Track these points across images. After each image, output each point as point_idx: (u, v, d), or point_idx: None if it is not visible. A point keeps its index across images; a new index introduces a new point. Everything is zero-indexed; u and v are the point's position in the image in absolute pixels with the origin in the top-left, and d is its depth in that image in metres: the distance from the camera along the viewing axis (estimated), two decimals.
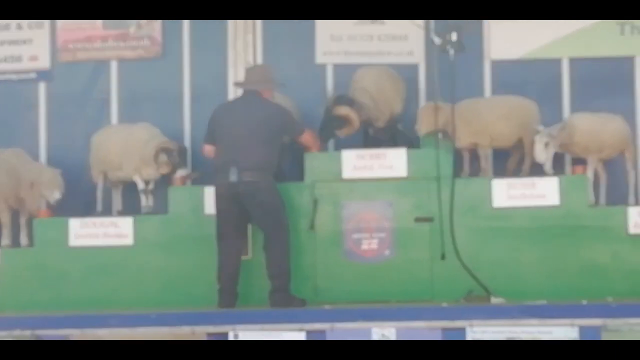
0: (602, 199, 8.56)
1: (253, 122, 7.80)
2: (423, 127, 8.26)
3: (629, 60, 9.10)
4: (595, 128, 8.39)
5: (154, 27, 9.30)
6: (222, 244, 7.83)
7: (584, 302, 7.55)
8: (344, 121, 8.33)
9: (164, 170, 8.42)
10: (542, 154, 8.17)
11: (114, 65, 9.35)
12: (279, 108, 8.02)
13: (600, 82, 9.08)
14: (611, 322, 6.88)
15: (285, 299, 7.63)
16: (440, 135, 8.27)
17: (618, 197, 8.61)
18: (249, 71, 8.22)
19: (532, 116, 8.54)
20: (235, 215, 7.81)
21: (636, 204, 8.59)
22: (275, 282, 7.68)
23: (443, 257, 7.98)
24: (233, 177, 7.69)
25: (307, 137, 8.11)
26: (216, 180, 7.86)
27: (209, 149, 8.07)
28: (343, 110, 8.33)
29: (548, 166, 8.28)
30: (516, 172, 8.50)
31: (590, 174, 8.35)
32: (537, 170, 8.34)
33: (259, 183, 7.71)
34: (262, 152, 7.75)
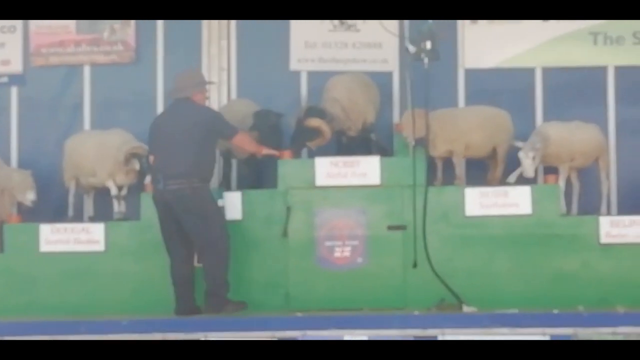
0: (575, 208, 8.60)
1: (180, 128, 7.75)
2: (409, 133, 8.23)
3: (601, 70, 9.15)
4: (567, 136, 8.42)
5: (128, 32, 9.26)
6: (169, 253, 7.84)
7: (555, 311, 7.56)
8: (315, 132, 8.32)
9: (132, 176, 8.36)
10: (532, 169, 8.19)
11: (86, 70, 9.31)
12: (207, 111, 7.99)
13: (574, 91, 9.14)
14: (582, 331, 6.91)
15: (218, 304, 7.60)
16: (413, 143, 8.27)
17: (591, 206, 8.66)
18: (178, 77, 8.12)
19: (507, 127, 8.57)
20: (171, 223, 7.77)
21: (608, 213, 8.65)
22: (209, 289, 7.66)
23: (415, 265, 7.99)
24: (159, 185, 7.69)
25: (240, 139, 8.01)
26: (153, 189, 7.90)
27: (151, 159, 8.07)
28: (314, 122, 8.32)
29: (513, 177, 8.34)
30: (499, 182, 8.50)
31: (562, 182, 8.38)
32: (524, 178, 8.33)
33: (184, 190, 7.64)
34: (188, 158, 7.69)
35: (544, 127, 8.54)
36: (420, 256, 7.99)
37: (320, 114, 8.35)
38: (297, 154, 8.48)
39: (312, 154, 8.62)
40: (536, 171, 8.59)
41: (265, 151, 8.18)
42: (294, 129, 8.44)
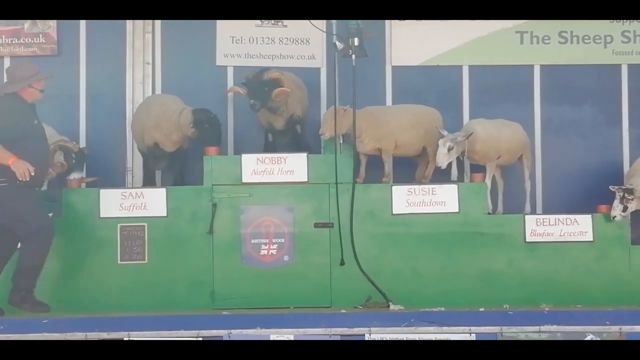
0: (500, 206, 8.65)
1: None
2: (327, 130, 8.18)
3: (528, 69, 9.22)
4: (494, 134, 8.45)
5: (49, 24, 9.08)
6: None
7: (481, 309, 7.63)
8: (276, 83, 8.24)
9: (58, 170, 8.18)
10: (444, 158, 8.14)
11: (6, 63, 9.06)
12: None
13: (500, 90, 9.20)
14: (507, 330, 6.93)
15: (16, 297, 7.42)
16: (340, 140, 8.23)
17: (516, 205, 8.73)
18: (8, 70, 7.81)
19: (437, 125, 8.53)
20: None
21: (534, 212, 8.71)
22: (12, 283, 7.46)
23: (342, 263, 7.96)
24: None
25: None
26: None
27: None
28: (275, 74, 8.28)
29: (453, 172, 8.33)
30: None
31: (488, 180, 8.41)
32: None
33: None
34: None
35: (471, 124, 8.53)
36: (347, 254, 7.96)
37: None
38: (259, 108, 8.33)
39: (238, 151, 8.54)
40: (463, 169, 8.63)
41: (1, 160, 7.37)
42: (249, 88, 8.34)
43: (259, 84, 8.30)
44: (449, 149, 8.14)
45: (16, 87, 7.56)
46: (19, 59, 8.94)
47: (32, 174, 7.38)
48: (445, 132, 8.25)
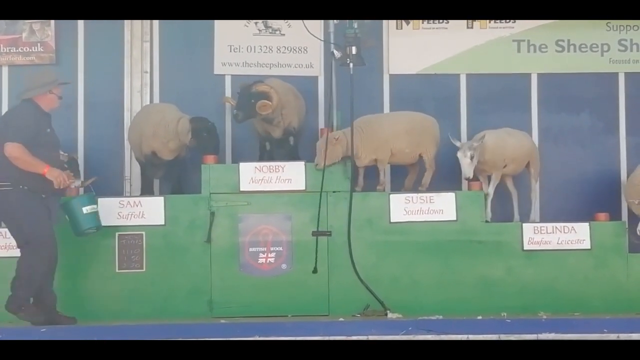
0: (516, 215, 8.67)
1: None
2: (321, 161, 8.14)
3: (525, 77, 9.23)
4: (500, 143, 8.44)
5: (47, 32, 9.09)
6: None
7: (479, 317, 7.63)
8: (263, 96, 8.23)
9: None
10: (470, 168, 8.14)
11: (5, 71, 9.10)
12: (6, 114, 7.71)
13: (498, 98, 9.20)
14: (505, 338, 6.92)
15: (15, 304, 7.36)
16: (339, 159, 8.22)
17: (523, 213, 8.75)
18: (26, 77, 7.85)
19: (433, 133, 8.51)
20: None
21: (534, 219, 8.72)
22: (11, 290, 7.41)
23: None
24: None
25: (9, 150, 7.35)
26: None
27: None
28: (264, 87, 8.26)
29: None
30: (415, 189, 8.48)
31: (492, 190, 8.41)
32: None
33: None
34: None
35: (480, 133, 8.50)
36: (345, 262, 7.96)
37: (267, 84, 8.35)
38: (242, 119, 8.33)
39: (236, 159, 8.54)
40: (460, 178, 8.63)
41: (36, 169, 7.40)
42: (238, 98, 8.36)
43: (247, 96, 8.29)
44: (471, 158, 8.14)
45: (36, 93, 7.57)
46: (21, 67, 8.96)
47: (69, 180, 7.46)
48: (458, 143, 8.25)
